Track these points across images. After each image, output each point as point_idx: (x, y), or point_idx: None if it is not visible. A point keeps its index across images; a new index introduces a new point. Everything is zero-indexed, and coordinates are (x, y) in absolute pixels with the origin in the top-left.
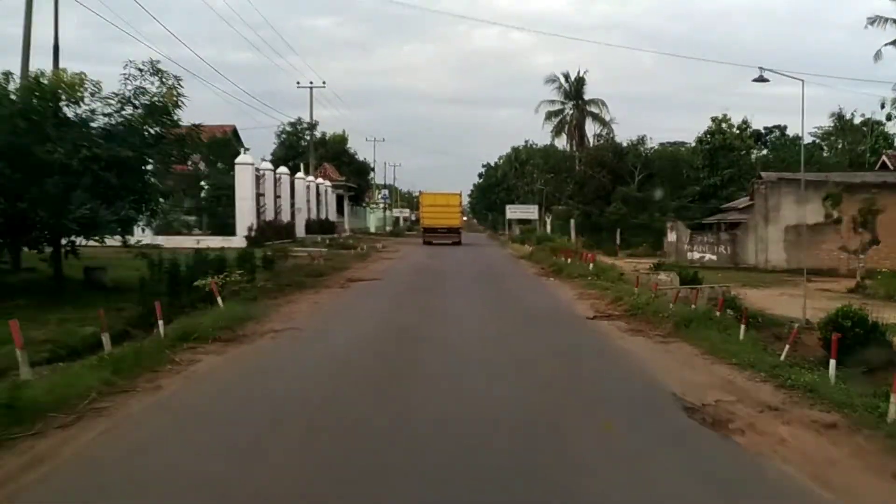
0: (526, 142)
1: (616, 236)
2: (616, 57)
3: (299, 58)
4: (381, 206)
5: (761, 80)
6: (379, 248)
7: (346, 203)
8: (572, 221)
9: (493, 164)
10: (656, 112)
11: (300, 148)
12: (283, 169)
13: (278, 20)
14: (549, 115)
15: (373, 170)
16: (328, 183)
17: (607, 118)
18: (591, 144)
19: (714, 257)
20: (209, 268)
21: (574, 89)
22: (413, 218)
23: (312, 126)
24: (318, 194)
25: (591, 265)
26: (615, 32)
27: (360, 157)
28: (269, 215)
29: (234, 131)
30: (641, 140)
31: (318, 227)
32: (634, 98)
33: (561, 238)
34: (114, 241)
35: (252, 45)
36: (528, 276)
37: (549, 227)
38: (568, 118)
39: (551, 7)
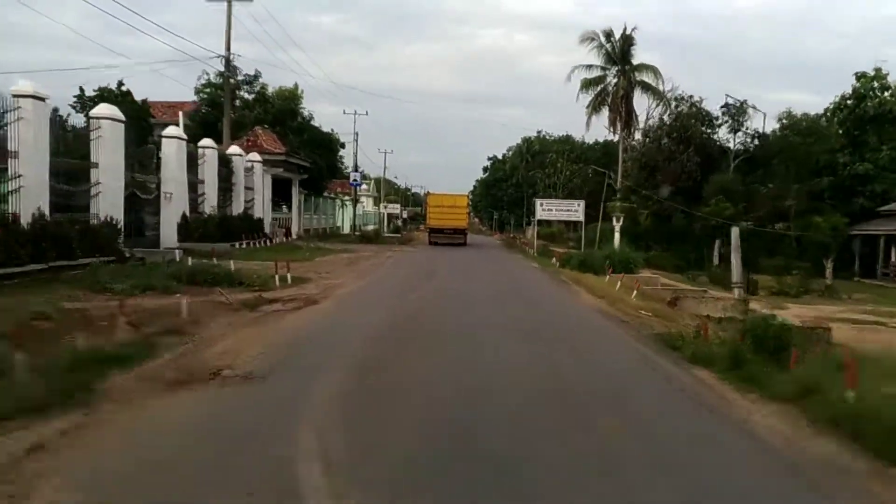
0: (539, 132)
1: (714, 251)
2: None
3: (305, 54)
4: (351, 198)
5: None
6: (257, 303)
7: (295, 190)
8: (735, 232)
9: (500, 157)
10: None
11: (233, 111)
12: (105, 109)
13: (282, 15)
14: (586, 85)
15: (343, 146)
16: (256, 157)
17: (663, 89)
18: (640, 122)
19: None
20: None
21: (619, 51)
22: (405, 215)
23: (230, 64)
24: (229, 172)
25: None
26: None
27: (347, 139)
28: (28, 204)
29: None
30: (741, 108)
31: (217, 228)
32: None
33: (619, 251)
34: None
35: (256, 38)
36: None
37: (616, 236)
38: (611, 88)
39: (556, 9)
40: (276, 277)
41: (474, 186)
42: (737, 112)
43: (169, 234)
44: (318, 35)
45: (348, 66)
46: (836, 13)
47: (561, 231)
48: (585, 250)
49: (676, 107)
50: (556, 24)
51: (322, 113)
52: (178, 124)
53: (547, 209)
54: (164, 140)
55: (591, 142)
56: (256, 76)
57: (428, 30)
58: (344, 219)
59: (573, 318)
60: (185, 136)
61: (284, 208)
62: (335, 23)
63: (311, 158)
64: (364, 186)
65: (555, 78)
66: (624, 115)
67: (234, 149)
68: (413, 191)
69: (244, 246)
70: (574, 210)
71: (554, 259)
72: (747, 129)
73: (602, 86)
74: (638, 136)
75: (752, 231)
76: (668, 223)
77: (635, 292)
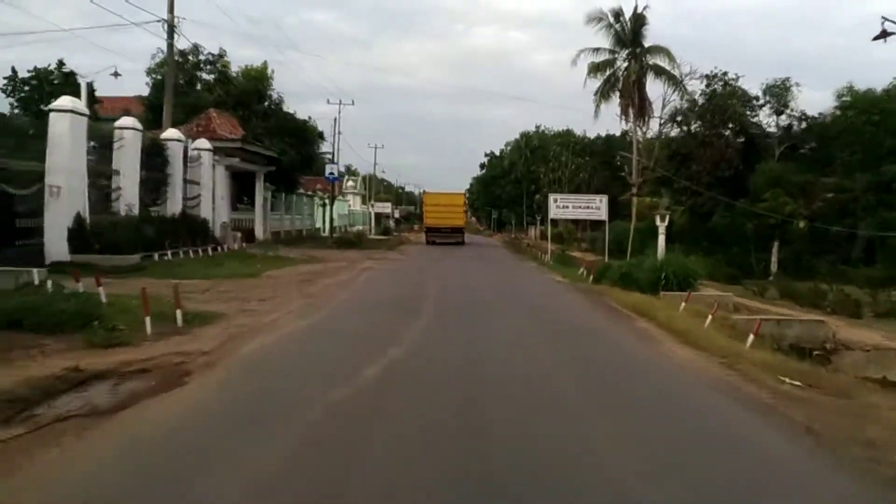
0: (537, 127)
1: (771, 255)
2: None
3: (300, 53)
4: (329, 195)
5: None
6: None
7: (259, 185)
8: None
9: (497, 153)
10: None
11: (192, 93)
12: None
13: (278, 14)
14: (594, 69)
15: (321, 136)
16: (204, 144)
17: (679, 74)
18: (656, 110)
19: None
20: None
21: (629, 32)
22: (397, 215)
23: (173, 30)
24: (164, 161)
25: None
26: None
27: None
28: None
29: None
30: (782, 86)
31: (133, 233)
32: None
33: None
34: None
35: (253, 39)
36: None
37: (661, 241)
38: (621, 73)
39: (550, 6)
40: (148, 321)
41: (471, 184)
42: (780, 91)
43: (57, 242)
44: (311, 33)
45: (343, 64)
46: (829, 10)
47: (570, 231)
48: (626, 260)
49: (707, 85)
50: (553, 21)
51: (314, 112)
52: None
53: (562, 206)
54: (52, 115)
55: (593, 136)
56: (221, 55)
57: (422, 28)
58: (326, 219)
59: (707, 429)
60: (84, 110)
61: (251, 207)
62: (330, 21)
63: (282, 149)
64: (350, 183)
65: (550, 76)
66: (637, 102)
67: (171, 132)
68: (407, 189)
69: (172, 256)
70: (595, 207)
71: (582, 270)
72: (793, 110)
73: (611, 70)
74: (654, 125)
75: (813, 231)
76: (706, 221)
77: (751, 338)
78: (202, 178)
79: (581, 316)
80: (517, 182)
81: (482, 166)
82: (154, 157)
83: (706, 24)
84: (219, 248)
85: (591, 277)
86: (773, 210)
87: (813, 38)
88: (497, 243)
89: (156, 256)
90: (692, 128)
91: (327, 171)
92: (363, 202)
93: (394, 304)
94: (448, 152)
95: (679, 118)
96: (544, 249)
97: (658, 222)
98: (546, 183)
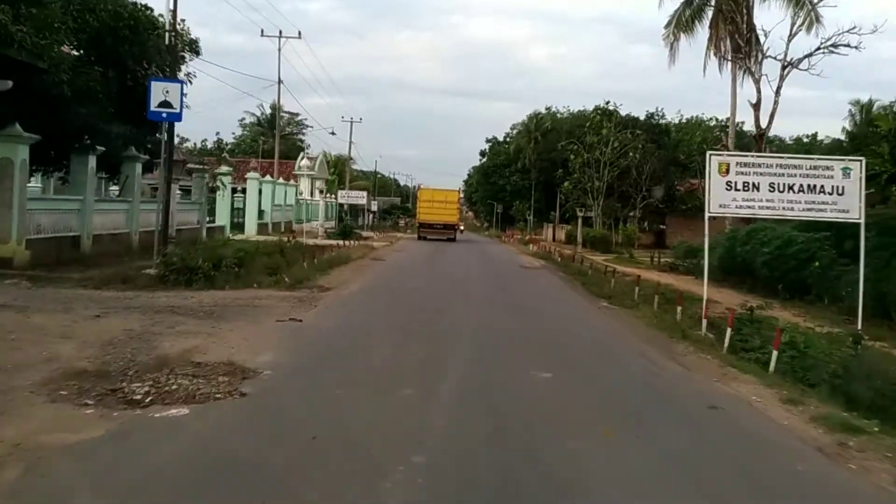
0: (548, 108)
1: None
2: (611, 51)
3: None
4: (162, 162)
5: None
6: None
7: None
8: None
9: (500, 138)
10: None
11: None
12: None
13: (272, 3)
14: None
15: (182, 43)
16: None
17: None
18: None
19: None
20: None
21: None
22: (374, 208)
23: None
24: None
25: None
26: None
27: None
28: None
29: None
30: None
31: None
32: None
33: None
34: None
35: (245, 26)
36: None
37: None
38: None
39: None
40: None
41: (469, 174)
42: None
43: None
44: (305, 23)
45: (336, 56)
46: None
47: (630, 233)
48: None
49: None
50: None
51: (311, 105)
52: None
53: (743, 185)
54: None
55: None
56: None
57: (417, 19)
58: (248, 213)
59: None
60: None
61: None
62: (324, 10)
63: (42, 45)
64: (305, 162)
65: (548, 71)
66: (745, 32)
67: None
68: (403, 183)
69: None
70: (831, 190)
71: None
72: None
73: None
74: (768, 69)
75: None
76: None
77: None
78: None
79: None
80: (525, 171)
81: (482, 154)
82: None
83: None
84: None
85: None
86: None
87: None
88: (527, 260)
89: None
90: None
91: (151, 101)
92: (328, 189)
93: None
94: (444, 147)
95: None
96: (619, 270)
97: None
98: (577, 166)
